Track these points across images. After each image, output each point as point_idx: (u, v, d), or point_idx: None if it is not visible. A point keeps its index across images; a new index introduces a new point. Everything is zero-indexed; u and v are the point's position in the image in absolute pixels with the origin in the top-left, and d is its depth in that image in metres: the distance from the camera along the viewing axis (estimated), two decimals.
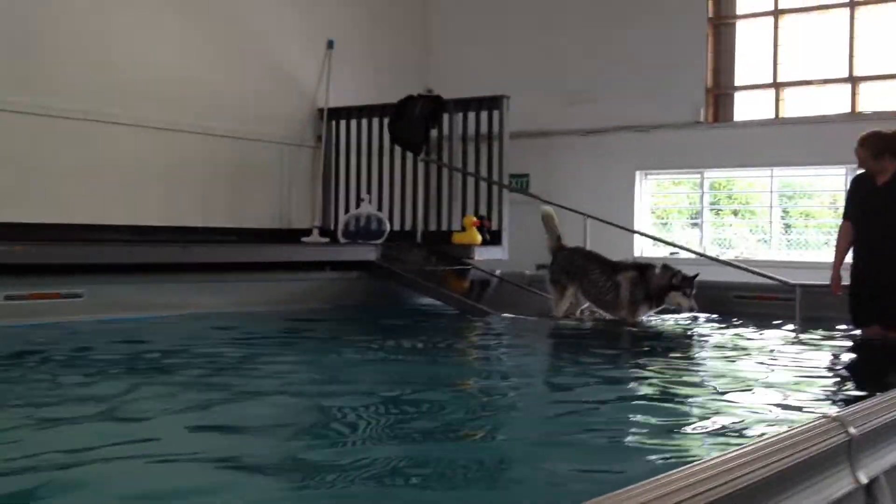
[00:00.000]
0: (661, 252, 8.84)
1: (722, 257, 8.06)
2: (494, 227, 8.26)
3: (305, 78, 9.16)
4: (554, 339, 5.81)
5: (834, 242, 5.93)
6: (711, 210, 9.44)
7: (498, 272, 7.95)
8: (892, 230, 5.32)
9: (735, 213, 9.58)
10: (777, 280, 6.52)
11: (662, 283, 5.89)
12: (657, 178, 9.66)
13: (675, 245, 8.14)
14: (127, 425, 2.83)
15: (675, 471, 1.41)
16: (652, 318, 6.14)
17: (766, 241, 9.01)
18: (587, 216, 7.53)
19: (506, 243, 8.24)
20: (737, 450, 1.60)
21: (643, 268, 6.05)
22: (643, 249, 9.20)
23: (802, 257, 8.63)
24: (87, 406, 3.07)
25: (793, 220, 9.18)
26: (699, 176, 9.30)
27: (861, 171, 5.58)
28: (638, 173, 9.45)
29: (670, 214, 9.86)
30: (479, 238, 7.97)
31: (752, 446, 1.63)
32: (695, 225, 9.43)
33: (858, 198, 5.53)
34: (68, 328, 4.99)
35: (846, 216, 5.64)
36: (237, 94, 8.42)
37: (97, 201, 7.27)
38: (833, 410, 2.10)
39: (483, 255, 7.98)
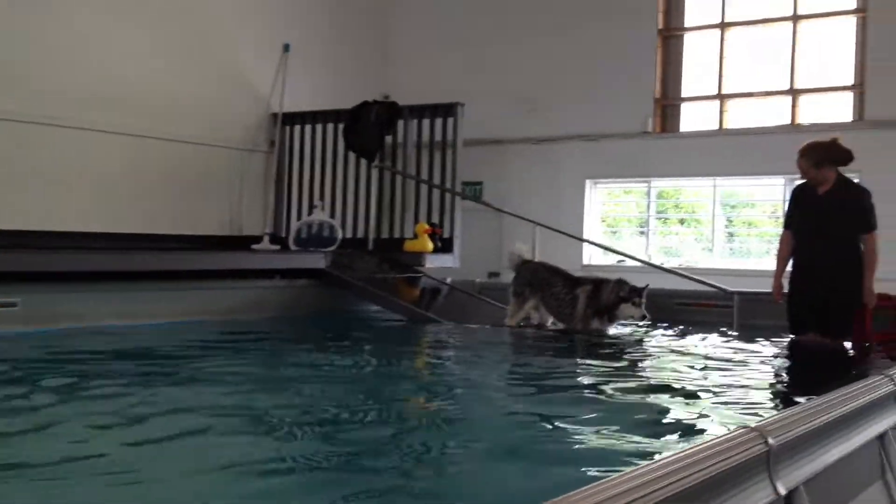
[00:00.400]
0: (610, 260, 8.96)
1: (667, 265, 8.19)
2: (446, 234, 8.28)
3: (259, 82, 9.08)
4: (502, 347, 5.84)
5: (775, 251, 6.05)
6: (659, 219, 9.59)
7: (449, 280, 7.97)
8: (834, 240, 5.40)
9: (682, 221, 9.74)
10: (716, 287, 6.65)
11: (612, 297, 6.04)
12: (607, 186, 9.78)
13: (620, 253, 8.26)
14: (53, 440, 2.75)
15: (591, 485, 1.41)
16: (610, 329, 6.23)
17: (710, 250, 9.18)
18: (537, 224, 7.61)
19: (457, 251, 8.27)
20: (655, 462, 1.60)
21: (599, 282, 6.20)
22: (592, 257, 9.31)
23: (745, 265, 8.81)
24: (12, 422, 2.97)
25: (736, 228, 9.37)
26: (646, 185, 9.44)
27: (802, 181, 5.69)
28: (588, 182, 9.56)
29: (620, 223, 9.99)
30: (430, 246, 7.98)
31: (671, 458, 1.62)
32: (643, 233, 9.56)
33: (800, 208, 5.61)
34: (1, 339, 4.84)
35: (787, 226, 5.75)
36: (188, 97, 8.30)
37: (42, 207, 7.11)
38: (754, 421, 2.14)
39: (434, 262, 7.99)
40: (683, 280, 6.98)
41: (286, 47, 9.18)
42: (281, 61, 9.14)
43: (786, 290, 5.63)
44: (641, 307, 5.98)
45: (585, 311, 6.10)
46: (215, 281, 6.46)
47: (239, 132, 8.93)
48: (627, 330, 6.23)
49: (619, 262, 8.58)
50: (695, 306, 6.77)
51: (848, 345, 5.48)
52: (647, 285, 6.06)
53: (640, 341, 5.89)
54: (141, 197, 7.94)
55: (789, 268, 5.68)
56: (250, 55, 8.99)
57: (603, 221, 9.81)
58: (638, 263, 7.72)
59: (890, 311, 5.68)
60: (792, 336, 5.62)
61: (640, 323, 6.17)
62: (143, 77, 7.91)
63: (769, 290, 5.74)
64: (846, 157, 5.43)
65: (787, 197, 6.76)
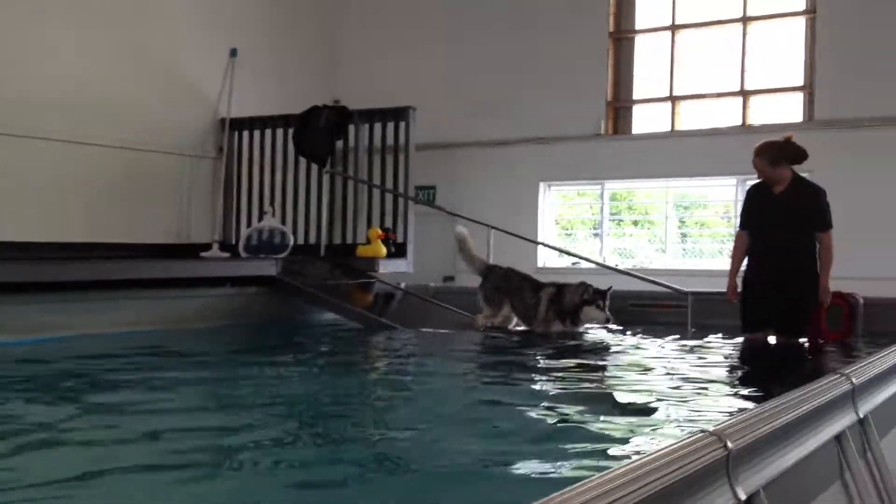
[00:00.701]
0: (565, 262, 8.95)
1: (622, 267, 8.20)
2: (400, 239, 8.20)
3: (206, 87, 8.91)
4: (458, 354, 5.73)
5: (727, 251, 6.07)
6: (613, 220, 9.60)
7: (403, 285, 7.88)
8: (790, 238, 5.43)
9: (635, 223, 9.78)
10: (670, 288, 6.66)
11: (575, 300, 6.08)
12: (560, 189, 9.77)
13: (575, 255, 8.27)
14: None
15: (543, 499, 1.34)
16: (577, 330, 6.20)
17: (663, 251, 9.22)
18: (491, 227, 7.57)
19: (411, 256, 8.21)
20: (610, 471, 1.53)
21: (562, 286, 6.25)
22: (546, 260, 9.29)
23: (697, 265, 8.86)
24: None
25: (689, 229, 9.43)
26: (600, 187, 9.46)
27: (757, 181, 5.70)
28: (542, 184, 9.54)
29: (574, 225, 9.99)
30: (384, 251, 7.89)
31: (627, 466, 1.56)
32: (597, 235, 9.57)
33: (756, 207, 5.63)
34: None
35: (743, 226, 5.75)
36: (133, 102, 8.09)
37: None
38: (711, 424, 2.08)
39: (388, 267, 7.90)
40: (638, 281, 6.98)
41: (233, 52, 9.03)
42: (228, 66, 8.98)
43: (740, 289, 5.64)
44: (605, 310, 6.04)
45: (547, 314, 6.16)
46: (163, 290, 6.27)
47: (186, 138, 8.75)
48: (586, 336, 6.20)
49: (574, 264, 8.57)
50: (649, 307, 6.79)
51: (803, 343, 5.50)
52: (611, 287, 6.07)
53: (595, 344, 5.85)
54: (85, 205, 7.71)
55: (743, 267, 5.70)
56: (197, 60, 8.81)
57: (557, 224, 9.80)
58: (593, 265, 7.72)
59: (843, 308, 5.74)
60: (746, 335, 5.63)
61: (604, 325, 6.18)
62: (87, 82, 7.68)
63: (723, 289, 5.75)
64: (801, 154, 5.47)
65: (739, 197, 6.81)
